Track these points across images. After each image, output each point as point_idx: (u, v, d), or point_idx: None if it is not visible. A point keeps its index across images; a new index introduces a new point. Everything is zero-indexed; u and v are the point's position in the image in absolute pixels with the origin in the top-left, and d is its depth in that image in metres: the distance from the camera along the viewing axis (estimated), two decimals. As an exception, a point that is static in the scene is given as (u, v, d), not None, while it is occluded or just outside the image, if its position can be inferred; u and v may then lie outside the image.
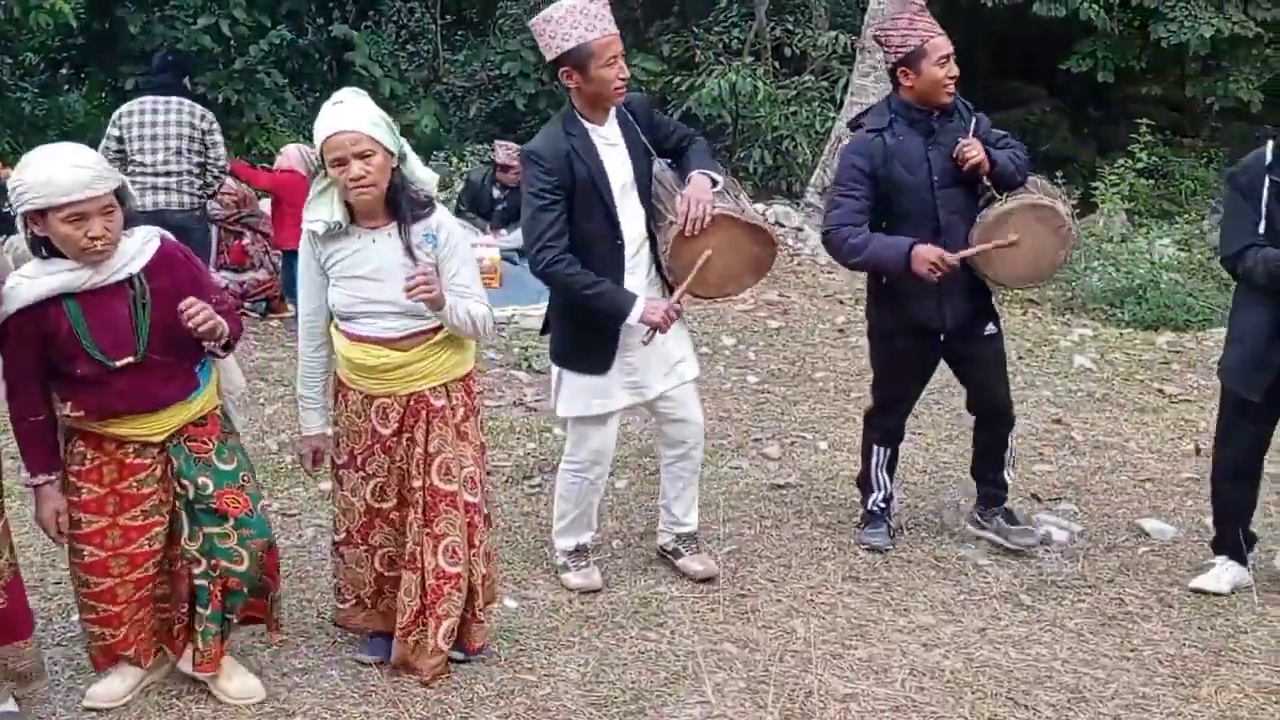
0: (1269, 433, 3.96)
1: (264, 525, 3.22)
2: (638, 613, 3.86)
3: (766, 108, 11.66)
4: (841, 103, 11.37)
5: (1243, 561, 4.01)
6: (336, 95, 3.15)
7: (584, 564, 4.08)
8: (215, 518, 3.12)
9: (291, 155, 7.54)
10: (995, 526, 4.31)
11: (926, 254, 3.83)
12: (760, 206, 8.03)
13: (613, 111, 3.72)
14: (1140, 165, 10.26)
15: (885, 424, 4.37)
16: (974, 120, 4.02)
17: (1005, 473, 4.34)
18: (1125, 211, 9.71)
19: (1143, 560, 4.28)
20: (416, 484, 3.28)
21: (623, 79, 3.60)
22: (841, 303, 8.13)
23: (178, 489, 3.12)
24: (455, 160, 12.50)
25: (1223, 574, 3.99)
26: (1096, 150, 16.14)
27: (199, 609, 3.20)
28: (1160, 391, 6.39)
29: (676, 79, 12.73)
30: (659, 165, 3.84)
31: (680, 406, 3.98)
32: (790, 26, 13.89)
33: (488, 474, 3.58)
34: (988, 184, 3.95)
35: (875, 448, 4.38)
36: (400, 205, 3.16)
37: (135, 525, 3.10)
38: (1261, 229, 3.66)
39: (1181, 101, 16.10)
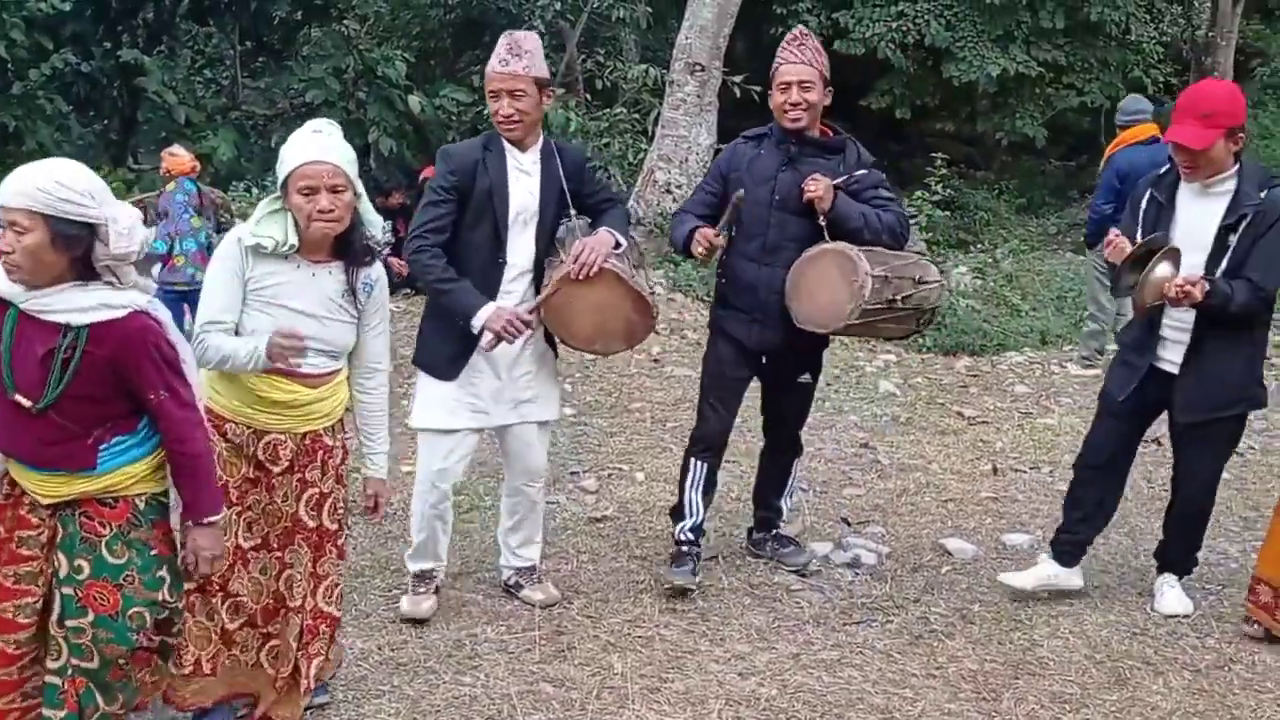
0: (1128, 436, 4.09)
1: (125, 634, 2.76)
2: (451, 656, 3.74)
3: (579, 139, 11.71)
4: (653, 135, 11.52)
5: (1065, 563, 4.18)
6: (315, 123, 3.14)
7: (421, 590, 4.04)
8: (77, 608, 2.74)
9: None
10: (769, 551, 4.53)
11: (700, 238, 4.03)
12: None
13: (538, 146, 3.84)
14: (937, 198, 10.74)
15: (702, 429, 4.30)
16: (861, 172, 4.07)
17: (784, 500, 4.56)
18: (924, 242, 10.12)
19: (946, 579, 4.42)
20: (310, 524, 3.20)
21: (505, 115, 3.71)
22: (657, 333, 8.16)
23: (56, 563, 2.76)
24: (256, 190, 12.07)
25: (1036, 570, 4.20)
26: (897, 182, 16.86)
27: (46, 710, 2.80)
28: (959, 414, 6.65)
29: (486, 110, 12.67)
30: (582, 221, 3.90)
31: (521, 444, 4.00)
32: (601, 59, 14.03)
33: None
34: (822, 224, 3.97)
35: (692, 461, 4.33)
36: (354, 246, 3.15)
37: (5, 587, 2.76)
38: (1139, 237, 3.84)
39: (973, 137, 17.04)
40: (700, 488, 4.33)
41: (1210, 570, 4.49)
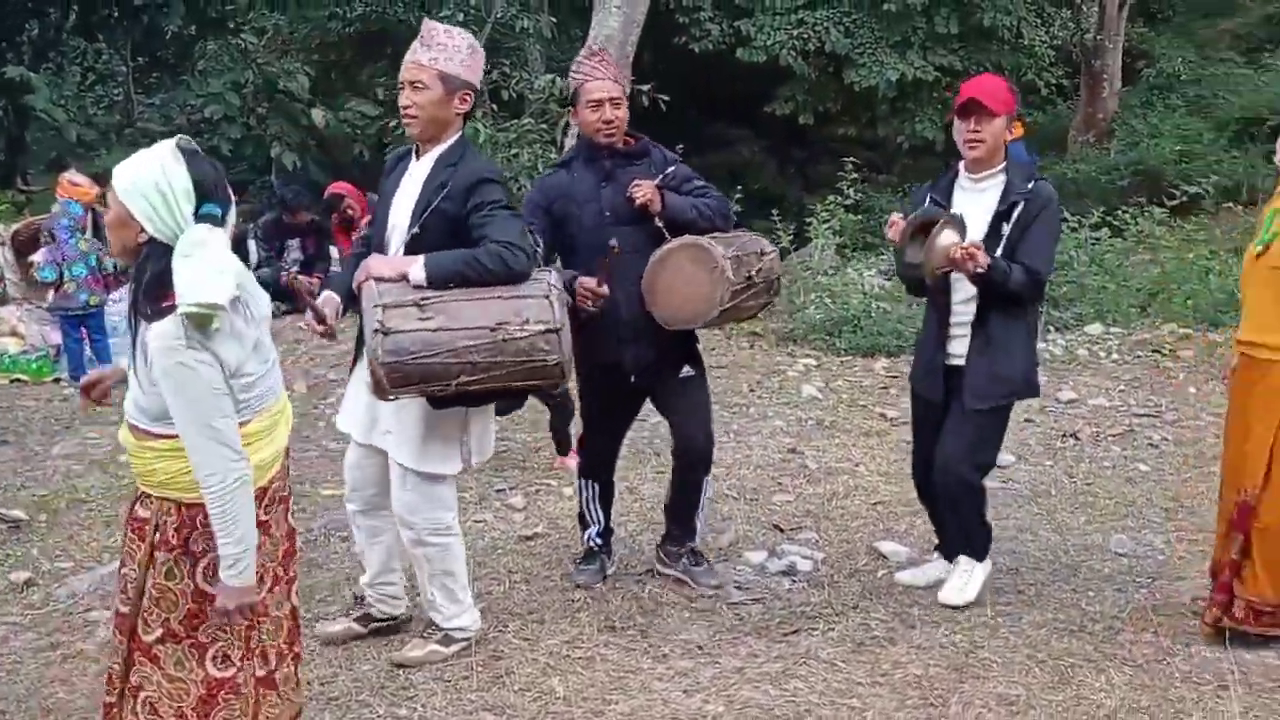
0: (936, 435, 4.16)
1: None
2: (384, 688, 3.60)
3: (488, 150, 11.56)
4: (562, 145, 11.43)
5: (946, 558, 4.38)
6: None
7: (346, 613, 4.03)
8: None
9: None
10: (681, 567, 4.36)
11: (578, 287, 3.87)
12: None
13: (435, 155, 3.53)
14: (849, 201, 10.83)
15: (589, 455, 4.41)
16: (671, 169, 4.09)
17: (695, 519, 4.37)
18: (836, 245, 10.20)
19: (883, 583, 4.40)
20: (123, 609, 2.74)
21: (402, 106, 3.52)
22: (574, 344, 8.08)
23: None
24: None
25: (929, 568, 4.41)
26: (803, 188, 17.06)
27: None
28: (882, 416, 6.67)
29: (394, 123, 12.44)
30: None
31: (389, 469, 3.71)
32: (507, 70, 13.88)
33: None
34: (660, 225, 3.97)
35: (582, 481, 4.44)
36: (138, 289, 2.58)
37: None
38: None
39: (875, 141, 17.26)
40: (596, 501, 4.43)
41: (1139, 563, 4.55)
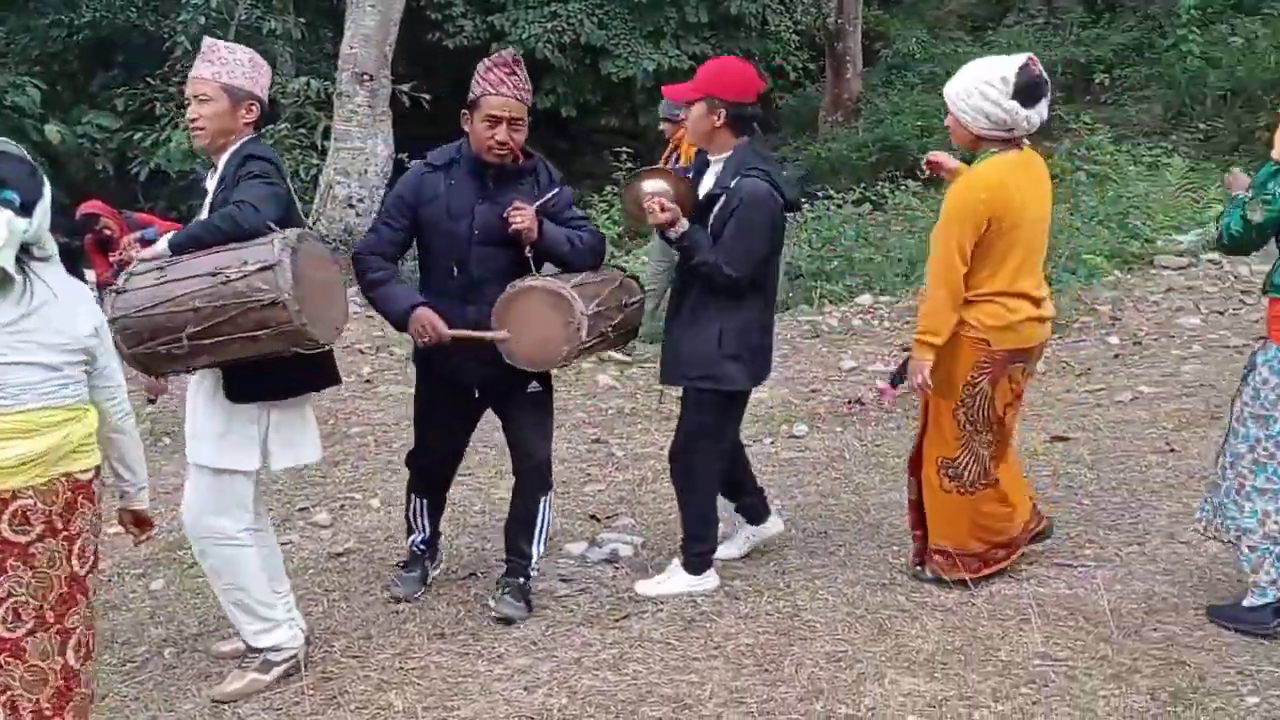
0: None
1: None
2: (210, 726, 3.44)
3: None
4: (323, 150, 11.13)
5: (753, 522, 4.56)
6: None
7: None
8: None
9: None
10: (495, 598, 4.08)
11: (422, 317, 3.76)
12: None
13: (224, 160, 3.54)
14: (623, 191, 10.96)
15: (420, 466, 4.25)
16: (554, 191, 3.89)
17: (534, 545, 4.10)
18: (615, 235, 10.33)
19: (702, 560, 4.50)
20: None
21: (191, 120, 3.60)
22: (363, 352, 7.88)
23: None
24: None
25: (737, 538, 4.57)
26: (570, 182, 17.16)
27: None
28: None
29: (138, 135, 11.77)
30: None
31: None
32: (256, 74, 13.37)
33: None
34: (529, 254, 3.80)
35: (412, 496, 4.30)
36: None
37: None
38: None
39: (636, 131, 17.53)
40: (425, 514, 4.31)
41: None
